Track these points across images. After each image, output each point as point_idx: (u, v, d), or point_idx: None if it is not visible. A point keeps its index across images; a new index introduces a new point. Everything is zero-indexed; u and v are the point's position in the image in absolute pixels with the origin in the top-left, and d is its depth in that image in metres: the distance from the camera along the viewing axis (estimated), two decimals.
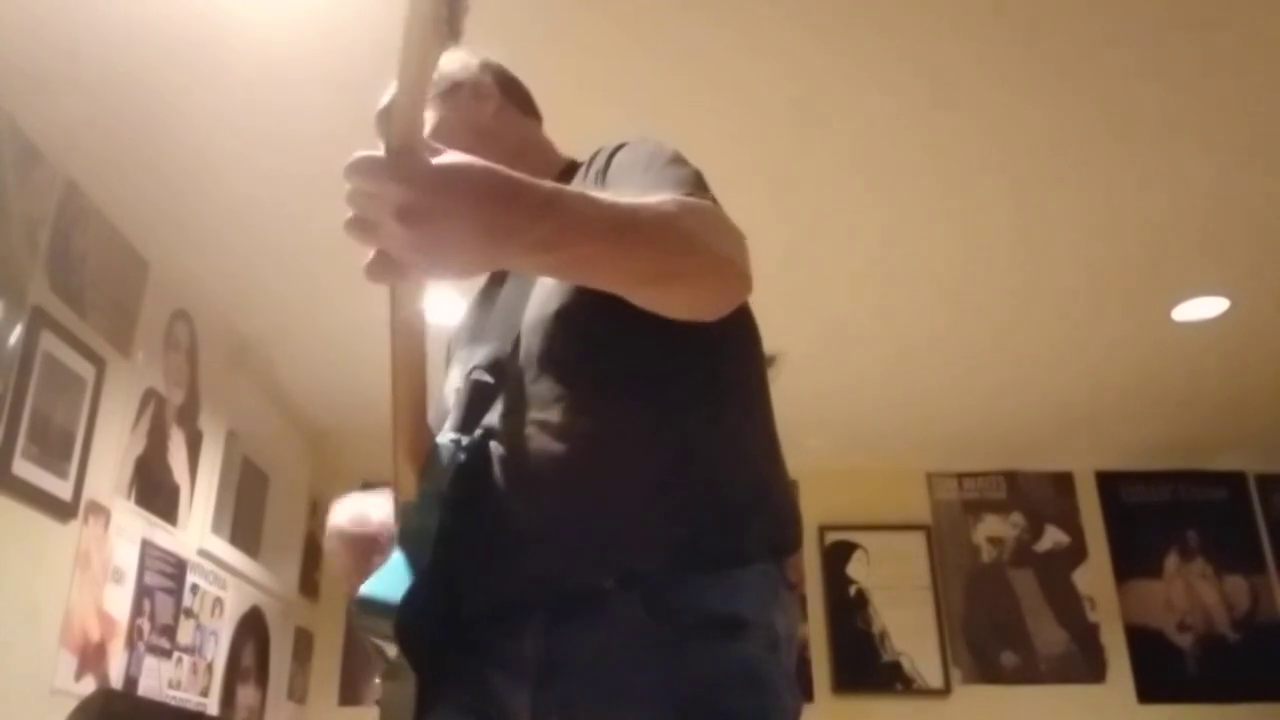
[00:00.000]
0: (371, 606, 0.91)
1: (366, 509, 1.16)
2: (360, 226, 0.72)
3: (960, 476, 4.46)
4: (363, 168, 0.71)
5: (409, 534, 0.97)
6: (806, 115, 2.30)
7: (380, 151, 0.71)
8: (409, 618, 0.90)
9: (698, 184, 0.98)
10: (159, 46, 2.04)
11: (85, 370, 2.45)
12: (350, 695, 4.07)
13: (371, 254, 0.73)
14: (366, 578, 1.09)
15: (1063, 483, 4.46)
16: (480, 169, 0.73)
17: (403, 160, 0.71)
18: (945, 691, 4.10)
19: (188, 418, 3.03)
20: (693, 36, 2.06)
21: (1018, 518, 4.42)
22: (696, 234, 0.87)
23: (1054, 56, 2.12)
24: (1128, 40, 2.08)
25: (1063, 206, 2.64)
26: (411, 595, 0.91)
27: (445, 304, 1.28)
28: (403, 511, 1.00)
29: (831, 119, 2.32)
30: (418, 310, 0.88)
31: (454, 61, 1.22)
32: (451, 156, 0.73)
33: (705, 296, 0.90)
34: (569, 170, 1.19)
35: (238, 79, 2.14)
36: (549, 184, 0.77)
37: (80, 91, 2.15)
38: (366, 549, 1.16)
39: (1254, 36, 2.07)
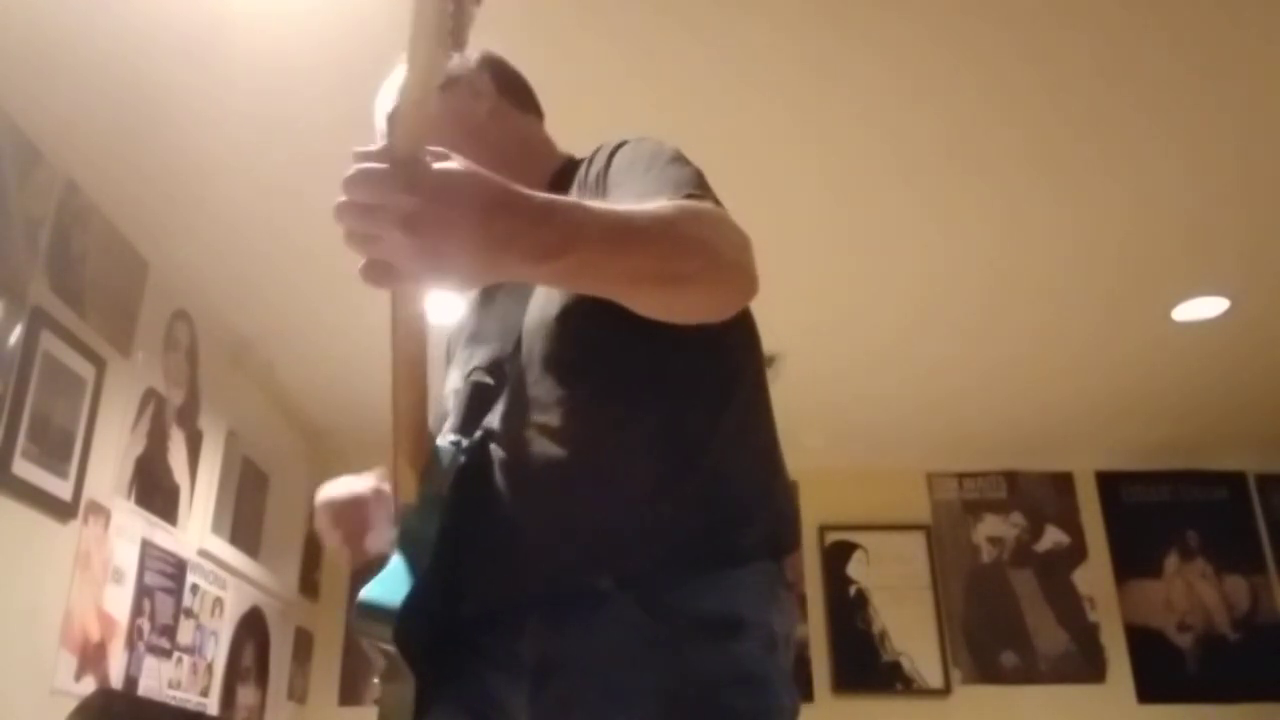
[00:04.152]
0: (371, 611, 0.90)
1: (353, 481, 1.12)
2: (360, 239, 0.71)
3: (960, 476, 4.46)
4: (366, 179, 0.70)
5: (409, 536, 0.97)
6: (807, 115, 2.30)
7: (377, 158, 0.71)
8: (408, 622, 0.90)
9: (699, 184, 0.97)
10: (160, 46, 2.04)
11: (85, 370, 2.45)
12: (350, 695, 4.06)
13: (364, 259, 0.71)
14: (363, 546, 1.08)
15: (1063, 483, 4.46)
16: (478, 177, 0.73)
17: (407, 169, 0.70)
18: (945, 691, 4.09)
19: (188, 418, 3.03)
20: (675, 47, 2.06)
21: (1018, 518, 4.41)
22: (696, 236, 0.86)
23: (1036, 56, 2.12)
24: (1117, 53, 2.08)
25: (1062, 208, 2.64)
26: (411, 599, 0.91)
27: (445, 304, 1.27)
28: (402, 514, 1.00)
29: (832, 119, 2.32)
30: (418, 312, 0.88)
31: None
32: (452, 163, 0.72)
33: (710, 299, 0.89)
34: (566, 167, 1.18)
35: (239, 79, 2.14)
36: (543, 194, 0.77)
37: (81, 91, 2.15)
38: (359, 515, 1.12)
39: (1257, 36, 2.07)
